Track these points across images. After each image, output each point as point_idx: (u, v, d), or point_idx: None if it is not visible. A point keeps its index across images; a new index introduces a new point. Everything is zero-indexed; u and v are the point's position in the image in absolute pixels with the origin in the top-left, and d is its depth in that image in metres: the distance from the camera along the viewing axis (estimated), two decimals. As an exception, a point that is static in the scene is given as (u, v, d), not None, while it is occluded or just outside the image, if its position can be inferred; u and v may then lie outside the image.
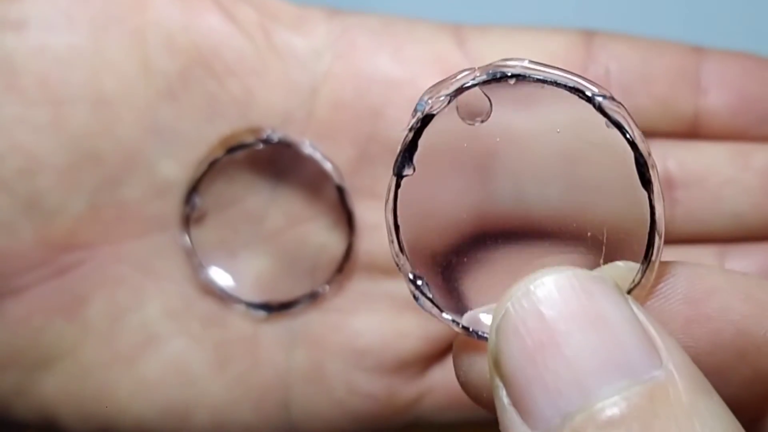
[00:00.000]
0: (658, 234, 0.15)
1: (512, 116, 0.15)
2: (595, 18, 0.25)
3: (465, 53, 0.22)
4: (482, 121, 0.15)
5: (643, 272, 0.15)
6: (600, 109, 0.15)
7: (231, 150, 0.22)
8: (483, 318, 0.15)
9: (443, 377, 0.23)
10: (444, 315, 0.15)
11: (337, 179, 0.22)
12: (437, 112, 0.15)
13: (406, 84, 0.22)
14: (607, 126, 0.15)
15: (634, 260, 0.15)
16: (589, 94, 0.15)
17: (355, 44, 0.22)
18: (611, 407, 0.12)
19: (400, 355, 0.23)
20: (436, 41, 0.22)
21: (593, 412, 0.12)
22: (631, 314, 0.13)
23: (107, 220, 0.22)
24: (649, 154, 0.15)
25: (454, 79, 0.15)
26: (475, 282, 0.16)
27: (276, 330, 0.23)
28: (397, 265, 0.16)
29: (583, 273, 0.13)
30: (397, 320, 0.23)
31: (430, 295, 0.15)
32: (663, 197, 0.15)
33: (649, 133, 0.22)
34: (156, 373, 0.22)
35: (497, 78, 0.15)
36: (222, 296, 0.23)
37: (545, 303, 0.13)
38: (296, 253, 0.23)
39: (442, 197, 0.16)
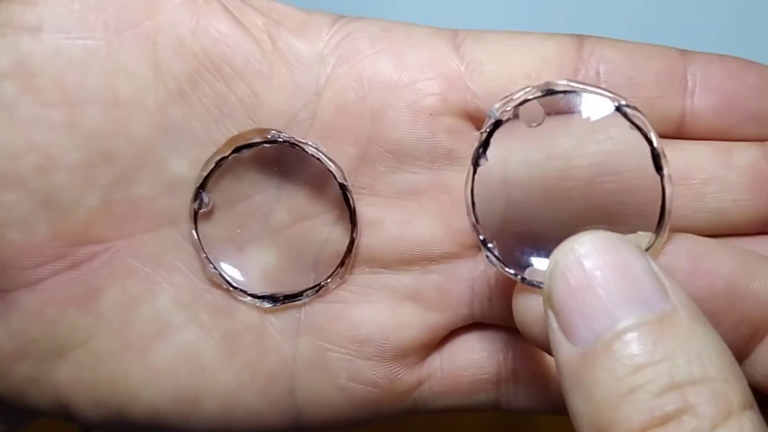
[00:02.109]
0: (668, 209, 0.20)
1: (559, 122, 0.21)
2: (586, 24, 0.26)
3: (461, 57, 0.23)
4: (538, 125, 0.21)
5: (656, 236, 0.20)
6: (624, 114, 0.20)
7: (238, 149, 0.23)
8: (538, 271, 0.21)
9: (441, 365, 0.24)
10: (508, 269, 0.21)
11: (339, 178, 0.23)
12: (505, 119, 0.21)
13: (405, 87, 0.23)
14: (630, 128, 0.20)
15: (650, 230, 0.20)
16: (615, 104, 0.20)
17: (357, 49, 0.23)
18: (630, 328, 0.17)
19: (400, 344, 0.23)
20: (434, 46, 0.23)
21: (617, 331, 0.17)
22: (647, 264, 0.18)
23: (120, 215, 0.23)
24: (662, 148, 0.20)
25: (516, 94, 0.21)
26: (531, 246, 0.21)
27: (282, 320, 0.24)
28: (476, 233, 0.21)
29: (612, 234, 0.18)
30: (396, 311, 0.23)
31: (498, 255, 0.21)
32: (672, 182, 0.20)
33: None
34: (167, 362, 0.23)
35: (550, 93, 0.20)
36: (230, 288, 0.23)
37: (584, 255, 0.18)
38: (301, 247, 0.24)
39: (508, 184, 0.22)
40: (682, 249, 0.21)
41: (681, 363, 0.16)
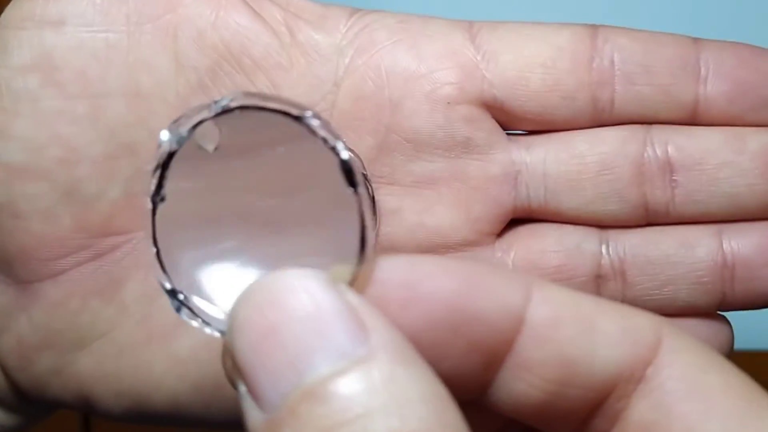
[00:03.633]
0: (368, 231, 0.17)
1: (241, 141, 0.18)
2: (600, 14, 0.27)
3: (477, 47, 0.23)
4: (216, 149, 0.17)
5: (359, 266, 0.17)
6: (307, 126, 0.17)
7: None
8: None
9: None
10: (196, 322, 0.18)
11: (360, 167, 0.23)
12: (178, 149, 0.17)
13: (422, 77, 0.23)
14: (315, 140, 0.17)
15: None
16: (295, 113, 0.17)
17: (375, 40, 0.23)
18: (319, 382, 0.14)
19: None
20: (450, 36, 0.23)
21: (305, 388, 0.14)
22: (341, 303, 0.15)
23: (141, 207, 0.23)
24: (358, 160, 0.17)
25: (190, 116, 0.17)
26: (227, 290, 0.17)
27: None
28: (160, 284, 0.18)
29: (299, 272, 0.15)
30: None
31: (189, 305, 0.18)
32: (372, 198, 0.17)
33: (651, 120, 0.23)
34: (188, 351, 0.23)
35: (225, 111, 0.17)
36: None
37: (265, 301, 0.15)
38: None
39: (195, 217, 0.18)
40: (394, 276, 0.17)
41: (378, 417, 0.14)
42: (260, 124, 0.17)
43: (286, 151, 0.17)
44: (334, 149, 0.17)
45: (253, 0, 0.23)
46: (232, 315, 0.15)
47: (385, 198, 0.24)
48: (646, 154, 0.23)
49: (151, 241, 0.17)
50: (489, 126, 0.23)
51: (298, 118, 0.17)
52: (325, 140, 0.17)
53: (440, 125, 0.23)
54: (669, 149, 0.23)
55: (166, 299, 0.23)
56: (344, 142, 0.17)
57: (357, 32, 0.23)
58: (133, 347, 0.23)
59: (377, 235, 0.17)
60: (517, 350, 0.16)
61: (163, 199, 0.17)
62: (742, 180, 0.23)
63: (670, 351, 0.16)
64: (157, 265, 0.17)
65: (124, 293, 0.23)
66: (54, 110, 0.22)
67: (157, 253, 0.17)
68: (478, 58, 0.23)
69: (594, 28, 0.24)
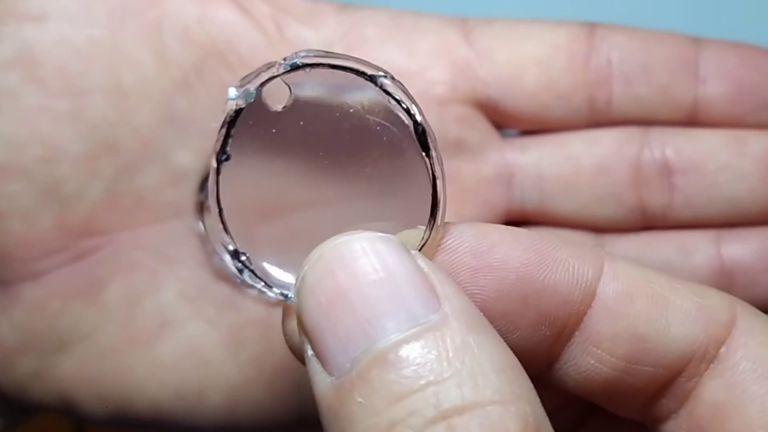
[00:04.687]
0: (440, 196, 0.17)
1: (310, 100, 0.17)
2: (597, 12, 0.26)
3: (471, 44, 0.23)
4: (285, 107, 0.17)
5: (430, 231, 0.17)
6: (381, 87, 0.17)
7: (244, 139, 0.22)
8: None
9: None
10: (258, 286, 0.17)
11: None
12: (245, 105, 0.17)
13: (414, 75, 0.23)
14: (389, 102, 0.17)
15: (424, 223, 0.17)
16: (370, 73, 0.16)
17: (365, 37, 0.23)
18: (390, 348, 0.14)
19: None
20: (443, 33, 0.23)
21: (375, 353, 0.14)
22: (414, 268, 0.15)
23: (124, 207, 0.23)
24: (428, 124, 0.17)
25: (258, 74, 0.17)
26: (292, 253, 0.17)
27: None
28: (222, 245, 0.17)
29: (370, 235, 0.15)
30: None
31: (252, 268, 0.17)
32: (442, 162, 0.17)
33: (649, 121, 0.23)
34: (171, 356, 0.23)
35: (294, 68, 0.17)
36: (235, 281, 0.23)
37: (336, 264, 0.15)
38: None
39: (259, 178, 0.17)
40: (464, 243, 0.17)
41: (450, 386, 0.14)
42: (331, 83, 0.17)
43: (356, 113, 0.17)
44: (408, 111, 0.16)
45: None
46: (301, 278, 0.15)
47: None
48: (643, 157, 0.23)
49: (215, 200, 0.17)
50: (482, 126, 0.23)
51: (371, 78, 0.16)
52: (399, 102, 0.16)
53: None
54: (667, 151, 0.23)
55: (148, 302, 0.23)
56: (418, 106, 0.16)
57: (347, 29, 0.23)
58: (115, 351, 0.23)
59: (446, 202, 0.17)
60: (588, 325, 0.16)
61: (228, 158, 0.17)
62: (743, 184, 0.23)
63: (745, 331, 0.16)
64: (220, 226, 0.17)
65: (106, 295, 0.23)
66: (35, 107, 0.22)
67: (220, 213, 0.17)
68: (472, 56, 0.23)
69: (591, 26, 0.23)
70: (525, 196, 0.23)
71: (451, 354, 0.14)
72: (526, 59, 0.23)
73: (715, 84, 0.23)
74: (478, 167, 0.23)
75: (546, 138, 0.23)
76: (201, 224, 0.23)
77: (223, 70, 0.22)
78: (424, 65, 0.23)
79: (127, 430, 0.25)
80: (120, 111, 0.22)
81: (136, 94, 0.22)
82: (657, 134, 0.23)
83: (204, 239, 0.23)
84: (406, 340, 0.14)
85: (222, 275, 0.23)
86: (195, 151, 0.23)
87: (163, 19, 0.22)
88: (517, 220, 0.24)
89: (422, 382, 0.14)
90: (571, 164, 0.23)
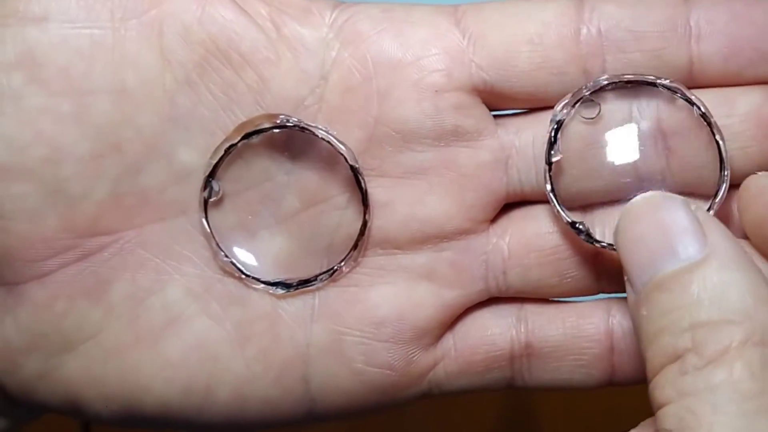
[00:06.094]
0: (726, 164, 0.23)
1: (614, 110, 0.23)
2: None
3: (462, 31, 0.23)
4: (593, 118, 0.23)
5: (717, 187, 0.23)
6: (665, 86, 0.23)
7: (247, 136, 0.23)
8: None
9: (454, 345, 0.24)
10: (601, 242, 0.23)
11: (351, 160, 0.23)
12: (565, 119, 0.23)
13: (409, 65, 0.23)
14: (673, 97, 0.23)
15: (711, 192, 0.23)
16: (653, 80, 0.23)
17: (359, 32, 0.23)
18: (664, 279, 0.19)
19: (417, 323, 0.23)
20: (435, 22, 0.23)
21: (656, 280, 0.20)
22: (690, 217, 0.20)
23: (129, 206, 0.23)
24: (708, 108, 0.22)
25: (572, 94, 0.23)
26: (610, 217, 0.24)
27: (295, 307, 0.23)
28: (570, 224, 0.23)
29: (662, 194, 0.21)
30: (412, 291, 0.23)
31: (591, 234, 0.23)
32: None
33: None
34: (178, 354, 0.23)
35: (599, 88, 0.23)
36: (242, 276, 0.23)
37: (639, 214, 0.21)
38: (313, 232, 0.24)
39: (581, 169, 0.24)
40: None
41: (704, 307, 0.19)
42: (628, 94, 0.23)
43: (649, 114, 0.24)
44: (691, 102, 0.23)
45: None
46: (618, 223, 0.21)
47: (376, 191, 0.23)
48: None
49: (550, 187, 0.23)
50: (478, 112, 0.23)
51: (656, 84, 0.23)
52: (688, 100, 0.23)
53: (429, 114, 0.23)
54: (659, 117, 0.23)
55: (154, 300, 0.23)
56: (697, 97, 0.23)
57: (342, 24, 0.23)
58: (121, 350, 0.23)
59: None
60: None
61: (559, 156, 0.23)
62: (734, 144, 0.23)
63: None
64: (556, 205, 0.23)
65: (111, 294, 0.23)
66: (38, 108, 0.22)
67: (557, 197, 0.23)
68: (465, 42, 0.23)
69: None
70: (522, 177, 0.24)
71: (706, 283, 0.19)
72: (518, 40, 0.23)
73: (709, 42, 0.23)
74: (476, 153, 0.23)
75: (539, 117, 0.24)
76: (206, 221, 0.23)
77: (225, 67, 0.23)
78: (419, 54, 0.23)
79: (135, 430, 0.25)
80: (123, 111, 0.22)
81: (139, 93, 0.22)
82: (648, 101, 0.23)
83: (209, 236, 0.23)
84: (676, 274, 0.19)
85: (227, 271, 0.23)
86: (198, 148, 0.23)
87: (163, 19, 0.22)
88: (516, 200, 0.24)
89: (681, 302, 0.19)
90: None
